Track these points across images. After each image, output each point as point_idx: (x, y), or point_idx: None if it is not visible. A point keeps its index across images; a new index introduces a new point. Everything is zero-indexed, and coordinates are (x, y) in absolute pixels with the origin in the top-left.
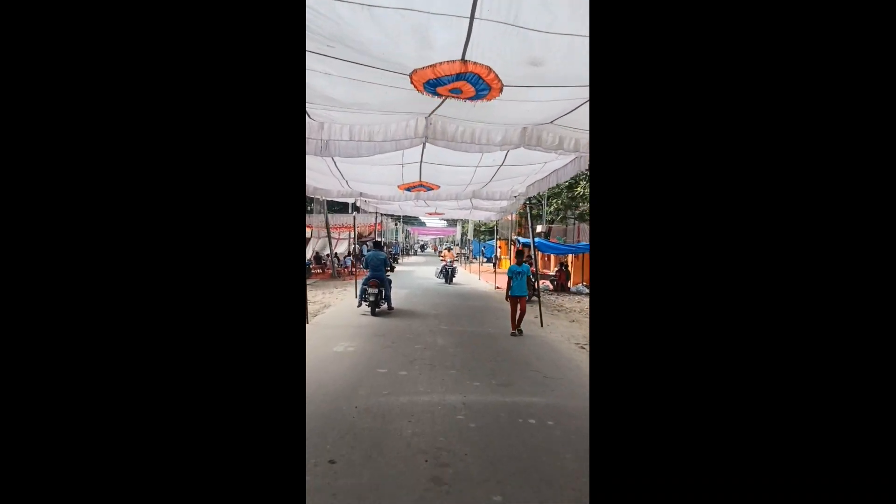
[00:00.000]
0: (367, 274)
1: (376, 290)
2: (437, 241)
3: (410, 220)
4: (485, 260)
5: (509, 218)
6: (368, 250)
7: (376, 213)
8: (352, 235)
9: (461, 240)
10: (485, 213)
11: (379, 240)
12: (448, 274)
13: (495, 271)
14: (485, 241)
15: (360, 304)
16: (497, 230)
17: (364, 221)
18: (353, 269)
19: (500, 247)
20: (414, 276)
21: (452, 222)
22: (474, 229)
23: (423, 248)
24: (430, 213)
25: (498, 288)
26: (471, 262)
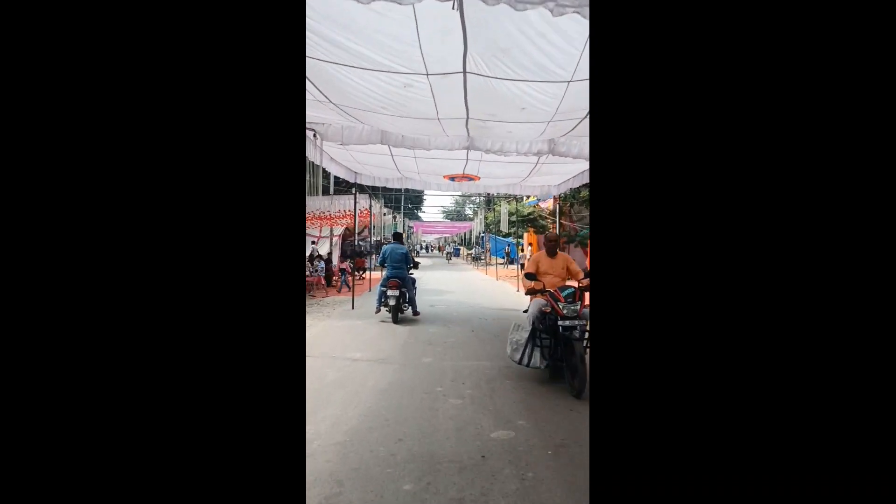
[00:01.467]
0: (386, 273)
1: (397, 293)
2: (444, 240)
3: (413, 213)
4: (503, 260)
5: (542, 206)
6: (360, 244)
7: (355, 186)
8: (323, 232)
9: (477, 238)
10: (547, 182)
11: (399, 231)
12: (568, 357)
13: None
14: (505, 238)
15: (377, 310)
16: (546, 219)
17: (340, 207)
18: (334, 279)
19: (530, 243)
20: (421, 286)
21: (456, 215)
22: (507, 220)
23: (427, 249)
24: (459, 177)
25: None
26: (488, 263)
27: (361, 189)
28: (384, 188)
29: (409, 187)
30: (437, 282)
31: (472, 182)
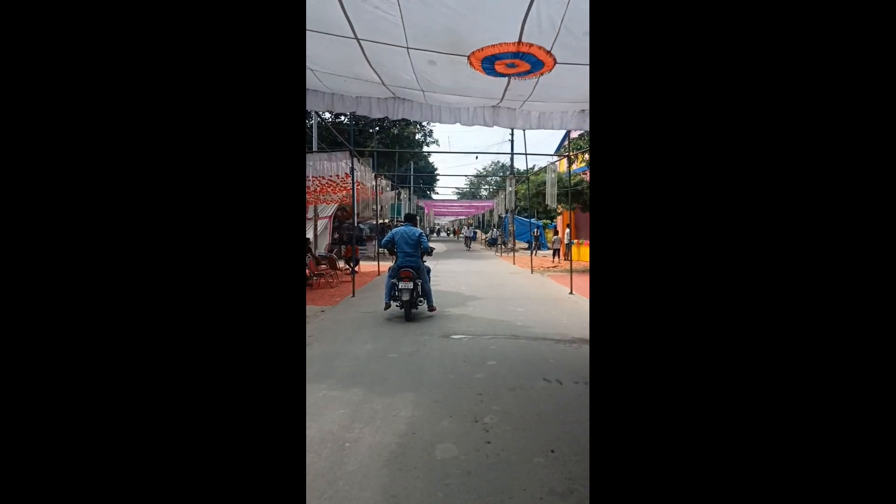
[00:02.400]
0: (396, 261)
1: (411, 285)
2: (458, 223)
3: (423, 194)
4: (524, 246)
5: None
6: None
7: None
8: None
9: (499, 219)
10: None
11: (412, 213)
12: None
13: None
14: (527, 220)
15: (387, 306)
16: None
17: (310, 172)
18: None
19: (568, 225)
20: (434, 288)
21: (471, 196)
22: (555, 192)
23: (438, 232)
24: (508, 58)
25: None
26: (513, 250)
27: (335, 140)
28: (382, 149)
29: (405, 117)
30: (454, 278)
31: (528, 84)
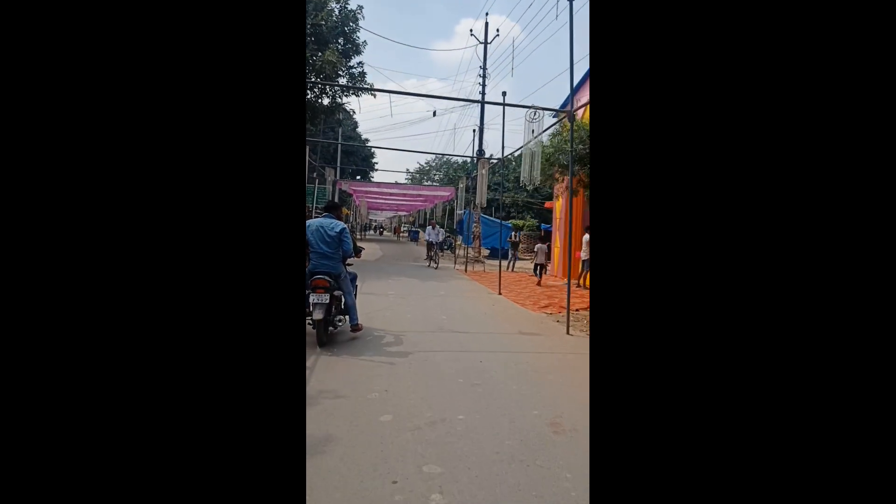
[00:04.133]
0: (310, 264)
1: (326, 298)
2: (399, 219)
3: (349, 176)
4: (484, 252)
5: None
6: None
7: None
8: None
9: (459, 217)
10: None
11: (334, 201)
12: None
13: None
14: (491, 221)
15: None
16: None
17: None
18: None
19: (587, 228)
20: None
21: (417, 178)
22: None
23: (375, 229)
24: None
25: None
26: (476, 260)
27: None
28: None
29: None
30: (393, 398)
31: None
